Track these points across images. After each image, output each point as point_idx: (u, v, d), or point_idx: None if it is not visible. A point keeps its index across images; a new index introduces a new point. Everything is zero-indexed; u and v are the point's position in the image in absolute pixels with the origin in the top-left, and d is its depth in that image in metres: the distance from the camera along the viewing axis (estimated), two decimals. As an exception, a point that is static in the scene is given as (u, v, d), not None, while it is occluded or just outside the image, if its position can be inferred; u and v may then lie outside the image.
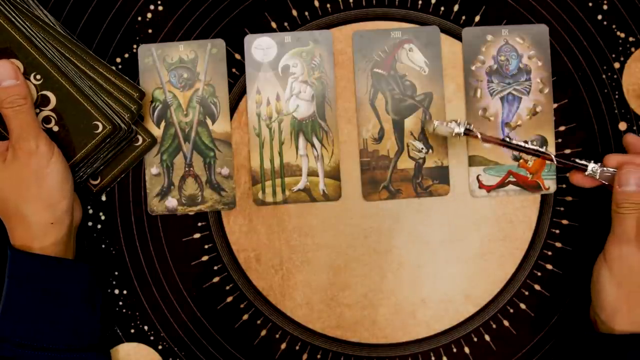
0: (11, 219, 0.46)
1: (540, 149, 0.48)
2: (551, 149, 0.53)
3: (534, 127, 0.53)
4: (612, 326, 0.46)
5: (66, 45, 0.49)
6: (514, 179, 0.53)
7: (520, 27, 0.53)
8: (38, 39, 0.47)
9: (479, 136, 0.49)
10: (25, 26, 0.47)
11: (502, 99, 0.53)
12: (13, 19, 0.47)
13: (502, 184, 0.53)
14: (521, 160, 0.53)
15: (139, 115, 0.52)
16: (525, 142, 0.49)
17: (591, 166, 0.48)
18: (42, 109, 0.48)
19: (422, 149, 0.53)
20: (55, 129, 0.48)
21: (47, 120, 0.48)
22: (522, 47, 0.53)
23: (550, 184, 0.53)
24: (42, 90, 0.47)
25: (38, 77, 0.47)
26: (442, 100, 0.53)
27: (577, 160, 0.48)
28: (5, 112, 0.45)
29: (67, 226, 0.47)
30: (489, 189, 0.53)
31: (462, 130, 0.48)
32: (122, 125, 0.48)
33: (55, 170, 0.46)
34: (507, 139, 0.49)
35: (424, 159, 0.53)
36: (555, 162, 0.48)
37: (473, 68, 0.53)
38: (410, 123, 0.53)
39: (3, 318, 0.45)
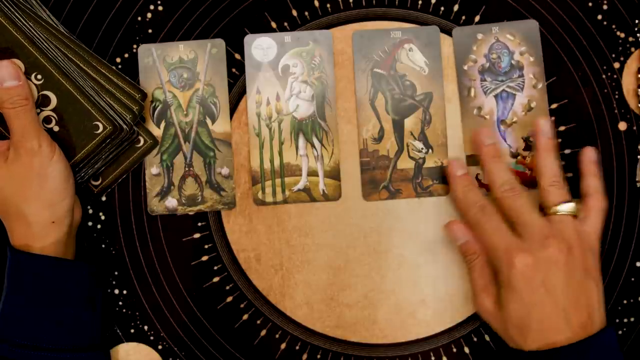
0: (11, 219, 0.46)
1: None
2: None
3: (530, 123, 0.53)
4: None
5: (68, 46, 0.49)
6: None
7: (511, 24, 0.53)
8: (40, 39, 0.48)
9: None
10: (28, 26, 0.47)
11: (496, 96, 0.53)
12: (15, 19, 0.47)
13: (501, 183, 0.53)
14: (519, 157, 0.53)
15: (141, 117, 0.52)
16: None
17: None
18: (43, 109, 0.48)
19: (422, 149, 0.53)
20: (56, 129, 0.48)
21: (47, 120, 0.48)
22: (513, 43, 0.53)
23: (549, 181, 0.53)
24: (42, 90, 0.47)
25: (39, 77, 0.47)
26: (442, 100, 0.53)
27: None
28: (7, 112, 0.45)
29: (68, 226, 0.47)
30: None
31: None
32: (124, 126, 0.48)
33: (57, 169, 0.46)
34: None
35: (424, 159, 0.53)
36: None
37: (465, 67, 0.53)
38: (410, 123, 0.53)
39: (3, 318, 0.45)
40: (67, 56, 0.49)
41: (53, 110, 0.48)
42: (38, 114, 0.47)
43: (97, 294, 0.49)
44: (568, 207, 0.47)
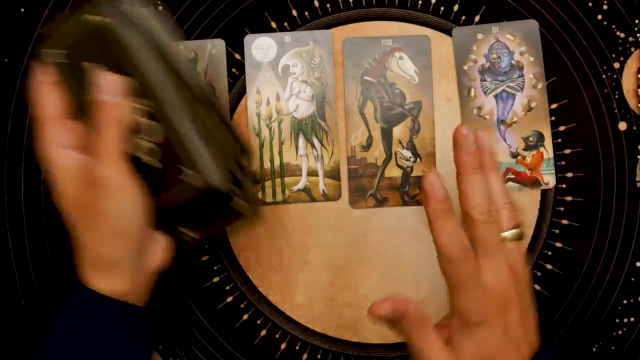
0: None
1: None
2: (548, 144, 0.53)
3: (530, 123, 0.53)
4: None
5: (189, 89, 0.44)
6: (512, 176, 0.53)
7: (511, 24, 0.53)
8: (158, 68, 0.43)
9: None
10: (150, 54, 0.43)
11: (496, 96, 0.53)
12: (141, 43, 0.43)
13: (501, 183, 0.53)
14: (519, 157, 0.53)
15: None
16: None
17: None
18: (142, 137, 0.42)
19: (410, 157, 0.53)
20: (145, 159, 0.42)
21: (140, 149, 0.42)
22: (513, 43, 0.53)
23: (549, 179, 0.53)
24: (145, 116, 0.42)
25: (145, 102, 0.42)
26: (431, 110, 0.53)
27: None
28: (98, 129, 0.41)
29: (131, 267, 0.42)
30: (489, 188, 0.53)
31: None
32: (218, 185, 0.42)
33: (127, 202, 0.41)
34: None
35: (412, 167, 0.53)
36: None
37: (465, 67, 0.53)
38: (399, 131, 0.53)
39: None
40: (185, 99, 0.43)
41: (152, 142, 0.42)
42: (132, 139, 0.42)
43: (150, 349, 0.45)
44: (514, 233, 0.42)
